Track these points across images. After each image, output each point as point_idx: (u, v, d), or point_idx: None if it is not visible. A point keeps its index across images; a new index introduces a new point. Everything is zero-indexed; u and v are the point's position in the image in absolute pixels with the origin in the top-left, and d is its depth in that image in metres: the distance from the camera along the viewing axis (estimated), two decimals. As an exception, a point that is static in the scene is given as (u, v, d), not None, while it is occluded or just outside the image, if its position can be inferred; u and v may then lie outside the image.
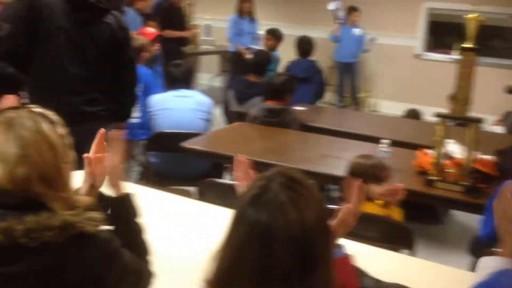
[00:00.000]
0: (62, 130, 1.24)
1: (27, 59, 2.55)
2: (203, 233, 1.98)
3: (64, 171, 1.20)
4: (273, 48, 5.92)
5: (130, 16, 5.32)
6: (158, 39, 4.68)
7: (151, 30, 4.84)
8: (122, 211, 1.39)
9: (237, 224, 0.99)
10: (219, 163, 3.39)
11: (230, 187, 2.58)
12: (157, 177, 3.40)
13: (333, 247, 1.14)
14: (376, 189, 2.31)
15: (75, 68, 2.59)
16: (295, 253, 0.95)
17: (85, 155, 1.44)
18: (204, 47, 7.80)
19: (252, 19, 6.99)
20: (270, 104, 3.64)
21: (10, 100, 2.52)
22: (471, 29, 2.45)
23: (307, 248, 0.97)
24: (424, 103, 7.43)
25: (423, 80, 7.80)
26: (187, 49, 6.63)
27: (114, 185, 1.43)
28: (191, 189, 3.31)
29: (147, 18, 5.64)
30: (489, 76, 6.41)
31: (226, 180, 2.97)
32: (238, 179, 1.59)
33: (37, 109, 1.23)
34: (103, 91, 2.69)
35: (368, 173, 2.34)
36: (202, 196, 2.55)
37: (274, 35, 6.04)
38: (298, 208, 0.98)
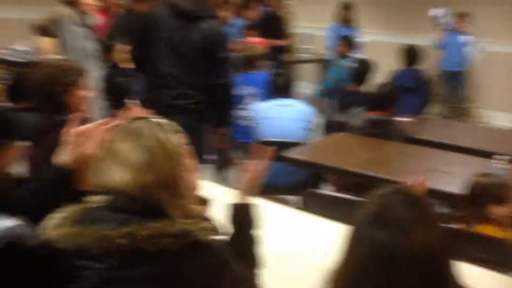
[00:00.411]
0: (182, 139, 1.29)
1: (142, 63, 3.18)
2: (308, 245, 1.96)
3: (183, 179, 1.24)
4: (344, 55, 5.83)
5: (237, 26, 5.48)
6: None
7: (255, 39, 4.95)
8: (240, 219, 1.42)
9: (357, 243, 0.97)
10: (318, 174, 3.36)
11: (334, 199, 2.56)
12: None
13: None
14: (497, 210, 2.16)
15: (166, 67, 3.05)
16: (420, 273, 0.92)
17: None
18: (303, 56, 7.80)
19: (352, 27, 6.91)
20: (373, 115, 3.55)
21: (135, 110, 2.70)
22: None
23: (432, 267, 0.93)
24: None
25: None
26: (285, 57, 6.68)
27: (245, 190, 1.46)
28: (291, 198, 3.32)
29: (248, 28, 5.76)
30: None
31: (326, 190, 2.94)
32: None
33: (161, 119, 1.29)
34: (192, 87, 3.06)
35: (489, 193, 2.19)
36: (302, 207, 2.54)
37: (348, 42, 5.97)
38: (422, 227, 0.94)
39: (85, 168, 1.50)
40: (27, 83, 2.24)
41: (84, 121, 1.63)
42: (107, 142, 1.26)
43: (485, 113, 7.68)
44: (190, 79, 3.05)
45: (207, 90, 3.07)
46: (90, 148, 1.51)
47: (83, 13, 3.61)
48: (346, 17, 6.87)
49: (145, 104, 2.72)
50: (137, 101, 2.82)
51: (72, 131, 1.53)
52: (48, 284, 1.33)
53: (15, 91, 3.58)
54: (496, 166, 2.71)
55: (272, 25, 6.37)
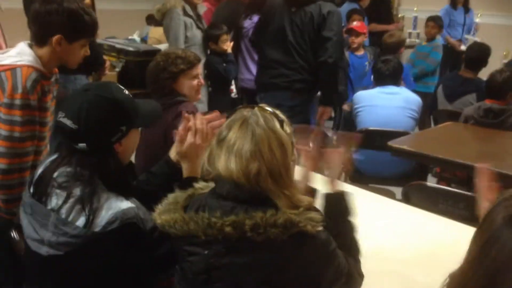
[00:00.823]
0: (289, 128, 1.28)
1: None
2: (410, 238, 1.88)
3: (290, 168, 1.23)
4: (434, 37, 5.49)
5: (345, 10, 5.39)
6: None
7: (358, 24, 4.82)
8: (336, 208, 1.39)
9: (490, 245, 0.90)
10: (424, 165, 3.21)
11: (439, 191, 2.43)
12: (359, 175, 3.36)
13: None
14: None
15: (271, 50, 3.47)
16: None
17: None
18: (411, 40, 7.48)
19: (467, 10, 6.52)
20: (489, 103, 3.31)
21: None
22: None
23: None
24: None
25: None
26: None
27: (332, 181, 1.44)
28: (394, 189, 3.20)
29: (353, 12, 5.60)
30: None
31: (432, 183, 2.79)
32: (481, 192, 1.45)
33: (269, 108, 1.29)
34: (291, 68, 3.38)
35: None
36: (407, 199, 2.44)
37: (436, 23, 5.59)
38: None
39: (195, 157, 1.56)
40: (142, 71, 2.39)
41: (192, 113, 1.68)
42: (218, 130, 1.29)
43: None
44: (291, 60, 3.37)
45: (313, 70, 3.35)
46: (199, 139, 1.57)
47: (192, 3, 3.70)
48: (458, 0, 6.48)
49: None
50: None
51: (180, 129, 1.59)
52: (157, 266, 1.40)
53: (124, 78, 3.82)
54: None
55: (379, 9, 6.16)
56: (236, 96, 4.22)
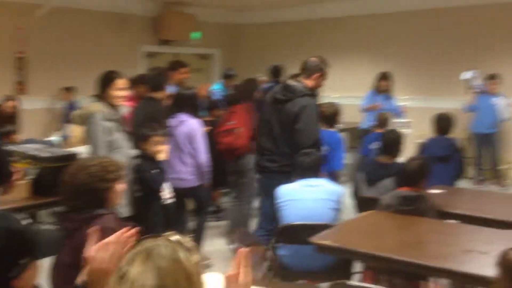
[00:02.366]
0: (197, 257, 1.23)
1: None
2: None
3: None
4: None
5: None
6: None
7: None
8: None
9: None
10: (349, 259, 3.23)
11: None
12: (285, 271, 3.32)
13: None
14: None
15: (264, 140, 4.11)
16: None
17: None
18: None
19: (388, 96, 7.13)
20: (404, 191, 3.45)
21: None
22: None
23: None
24: None
25: None
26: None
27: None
28: (323, 286, 3.19)
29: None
30: None
31: (356, 281, 2.80)
32: None
33: (175, 236, 1.24)
34: (282, 153, 3.97)
35: None
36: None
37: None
38: None
39: (101, 284, 1.47)
40: (65, 180, 2.28)
41: (105, 231, 1.62)
42: (120, 263, 1.22)
43: (523, 175, 7.41)
44: (280, 147, 4.00)
45: (292, 155, 3.86)
46: (107, 262, 1.49)
47: (113, 105, 3.66)
48: (382, 87, 7.13)
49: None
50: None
51: (92, 248, 1.51)
52: None
53: (38, 186, 3.64)
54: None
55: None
56: (169, 201, 4.01)
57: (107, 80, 3.63)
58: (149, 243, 1.20)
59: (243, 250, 1.46)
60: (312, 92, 4.06)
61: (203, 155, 4.28)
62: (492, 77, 7.16)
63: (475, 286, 2.81)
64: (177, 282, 1.14)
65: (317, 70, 4.10)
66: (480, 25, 7.67)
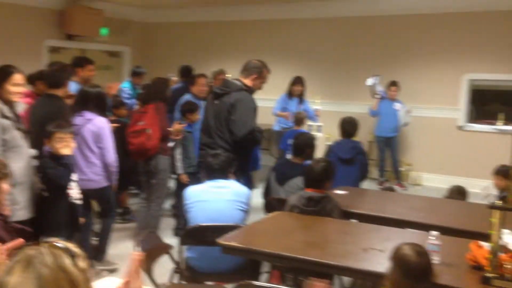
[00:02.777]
0: (83, 263, 1.18)
1: None
2: None
3: None
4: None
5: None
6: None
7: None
8: None
9: None
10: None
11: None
12: (192, 273, 3.29)
13: None
14: None
15: (203, 136, 4.37)
16: None
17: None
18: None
19: (301, 100, 7.29)
20: (309, 192, 3.54)
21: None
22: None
23: None
24: (468, 175, 7.17)
25: (466, 151, 7.58)
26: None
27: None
28: (227, 285, 3.19)
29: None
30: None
31: (263, 282, 2.83)
32: None
33: (59, 243, 1.18)
34: (218, 147, 4.08)
35: (415, 271, 2.16)
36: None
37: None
38: None
39: None
40: None
41: None
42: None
43: (419, 175, 7.91)
44: (216, 143, 4.16)
45: (231, 148, 4.12)
46: None
47: (9, 102, 3.41)
48: (295, 92, 7.29)
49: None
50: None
51: None
52: None
53: None
54: (431, 243, 2.71)
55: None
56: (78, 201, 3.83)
57: (3, 74, 3.39)
58: (30, 250, 1.13)
59: (135, 255, 1.42)
60: (249, 89, 4.26)
61: (111, 155, 4.14)
62: (392, 83, 7.59)
63: (376, 282, 2.94)
64: None
65: (255, 72, 4.33)
66: (387, 34, 8.10)
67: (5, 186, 2.20)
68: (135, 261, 1.40)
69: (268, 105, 7.75)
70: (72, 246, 1.18)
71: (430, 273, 2.21)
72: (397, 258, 2.21)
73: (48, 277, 1.08)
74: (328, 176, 3.62)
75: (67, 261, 1.13)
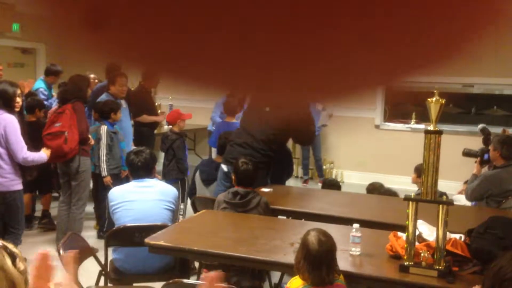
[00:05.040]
0: (22, 265, 1.14)
1: None
2: None
3: None
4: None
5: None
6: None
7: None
8: None
9: None
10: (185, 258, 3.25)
11: None
12: (119, 274, 3.22)
13: None
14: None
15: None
16: None
17: None
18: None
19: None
20: (236, 188, 3.57)
21: None
22: (435, 111, 2.49)
23: None
24: (386, 172, 7.53)
25: (383, 149, 7.95)
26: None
27: None
28: (157, 285, 3.14)
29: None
30: (449, 142, 6.57)
31: (192, 279, 2.83)
32: None
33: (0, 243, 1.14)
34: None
35: (313, 258, 2.28)
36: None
37: None
38: None
39: None
40: None
41: None
42: None
43: (341, 173, 8.21)
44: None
45: None
46: None
47: None
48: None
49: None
50: None
51: None
52: None
53: None
54: (353, 235, 2.84)
55: (144, 101, 6.38)
56: None
57: None
58: None
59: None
60: None
61: (21, 154, 3.91)
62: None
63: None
64: None
65: None
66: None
67: None
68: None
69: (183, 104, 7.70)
70: (12, 247, 1.15)
71: (329, 261, 2.32)
72: (302, 242, 2.34)
73: None
74: (254, 174, 3.67)
75: (7, 261, 1.11)
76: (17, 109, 4.09)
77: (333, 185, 4.90)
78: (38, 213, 5.51)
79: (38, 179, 4.82)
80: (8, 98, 3.95)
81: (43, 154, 4.18)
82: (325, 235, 2.37)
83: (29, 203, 5.25)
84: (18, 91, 4.04)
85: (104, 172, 4.90)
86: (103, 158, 4.90)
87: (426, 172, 2.51)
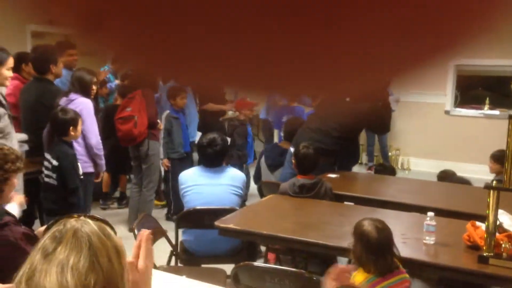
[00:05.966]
0: (119, 239, 1.21)
1: None
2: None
3: (124, 276, 1.15)
4: None
5: None
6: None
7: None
8: None
9: None
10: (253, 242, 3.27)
11: (265, 270, 2.47)
12: (189, 256, 3.28)
13: None
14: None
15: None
16: None
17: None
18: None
19: None
20: (301, 179, 3.52)
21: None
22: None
23: None
24: (457, 159, 7.25)
25: (453, 136, 7.65)
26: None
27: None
28: (226, 267, 3.18)
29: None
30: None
31: (260, 262, 2.84)
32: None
33: (98, 216, 1.22)
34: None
35: (375, 247, 2.21)
36: (236, 280, 2.42)
37: None
38: None
39: None
40: None
41: None
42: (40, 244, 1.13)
43: (407, 160, 7.98)
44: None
45: None
46: None
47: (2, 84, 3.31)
48: None
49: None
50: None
51: None
52: None
53: None
54: (427, 223, 2.74)
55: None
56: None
57: None
58: (74, 222, 1.15)
59: (144, 233, 1.42)
60: None
61: (94, 137, 4.06)
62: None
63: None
64: (110, 258, 1.11)
65: None
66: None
67: (16, 180, 2.14)
68: (144, 239, 1.40)
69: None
70: (101, 222, 1.21)
71: (390, 248, 2.25)
72: (358, 233, 2.26)
73: (98, 244, 1.10)
74: (316, 161, 3.61)
75: (110, 230, 1.17)
76: (92, 96, 4.25)
77: (386, 169, 4.77)
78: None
79: (115, 162, 5.07)
80: (85, 85, 4.10)
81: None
82: (380, 222, 2.31)
83: (107, 182, 5.54)
84: (95, 79, 4.18)
85: (161, 155, 5.02)
86: (161, 141, 5.03)
87: (509, 159, 2.37)
